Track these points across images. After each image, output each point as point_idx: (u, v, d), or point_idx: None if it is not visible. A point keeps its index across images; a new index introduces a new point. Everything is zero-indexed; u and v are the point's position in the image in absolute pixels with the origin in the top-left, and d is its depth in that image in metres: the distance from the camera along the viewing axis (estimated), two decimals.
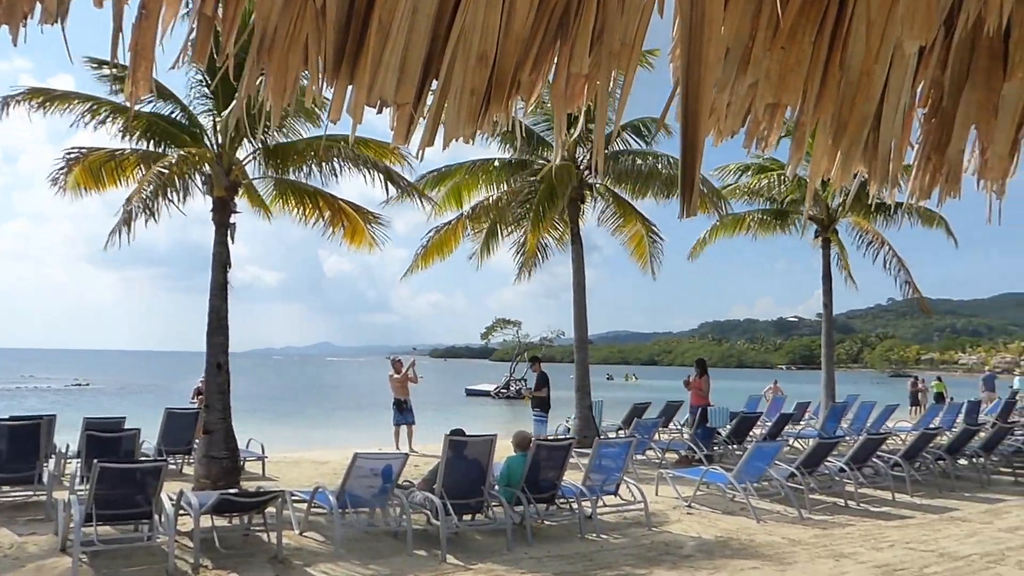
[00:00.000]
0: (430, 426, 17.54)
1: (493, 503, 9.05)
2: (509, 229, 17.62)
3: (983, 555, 8.71)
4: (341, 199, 13.62)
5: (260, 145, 12.61)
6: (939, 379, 34.93)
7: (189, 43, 1.92)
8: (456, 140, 1.87)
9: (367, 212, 13.67)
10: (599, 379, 65.93)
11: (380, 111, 1.87)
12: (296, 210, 13.60)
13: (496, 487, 9.22)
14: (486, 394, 51.58)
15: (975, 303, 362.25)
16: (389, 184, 12.56)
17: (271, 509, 8.45)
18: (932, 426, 16.08)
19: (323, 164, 12.59)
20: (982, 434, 14.86)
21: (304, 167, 12.96)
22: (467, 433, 9.27)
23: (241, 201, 12.89)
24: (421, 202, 13.89)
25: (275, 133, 12.65)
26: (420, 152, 1.90)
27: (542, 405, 14.59)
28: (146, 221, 11.54)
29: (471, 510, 8.95)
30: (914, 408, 30.81)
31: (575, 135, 17.04)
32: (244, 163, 12.78)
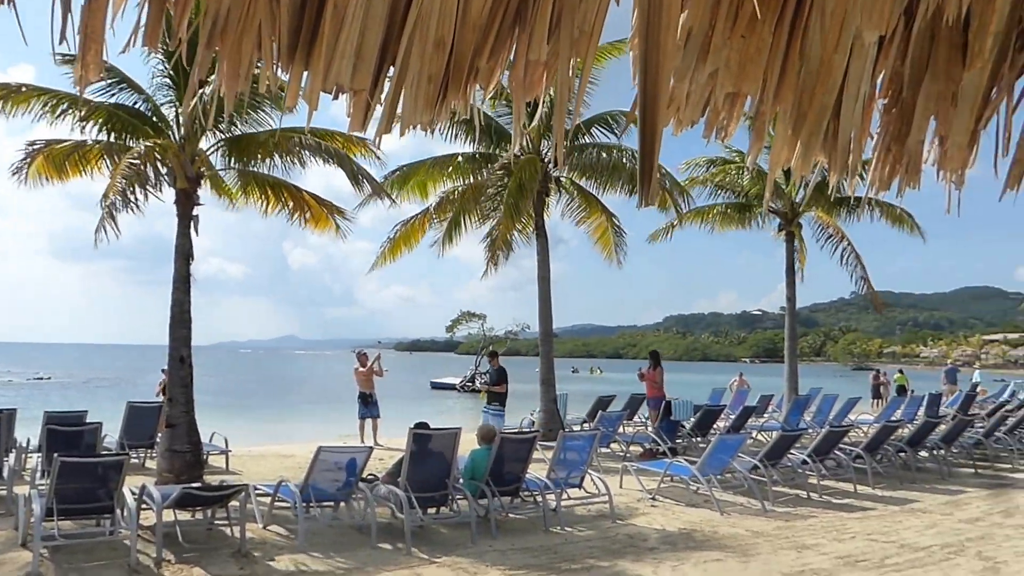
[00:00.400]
0: (395, 419, 17.46)
1: (458, 496, 9.05)
2: (476, 222, 17.60)
3: (943, 546, 8.83)
4: (306, 191, 13.50)
5: (223, 136, 12.47)
6: (901, 372, 35.40)
7: (140, 26, 1.87)
8: (414, 128, 1.84)
9: (333, 206, 13.56)
10: (564, 372, 66.07)
11: (336, 97, 1.83)
12: (260, 202, 13.46)
13: (461, 480, 9.20)
14: (451, 387, 51.54)
15: (937, 297, 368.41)
16: (354, 181, 12.44)
17: (234, 503, 8.36)
18: (894, 419, 16.30)
19: (287, 156, 12.45)
20: (943, 427, 15.06)
21: (268, 159, 12.79)
22: (432, 426, 9.24)
23: (204, 193, 12.76)
24: (389, 198, 13.84)
25: (239, 123, 12.50)
26: (377, 139, 1.87)
27: (500, 400, 14.50)
28: (129, 213, 11.40)
29: (436, 503, 8.93)
30: (876, 401, 31.20)
31: (539, 128, 17.05)
32: (208, 154, 12.62)
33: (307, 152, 12.35)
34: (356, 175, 12.40)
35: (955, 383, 31.74)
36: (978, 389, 28.12)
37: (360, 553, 7.98)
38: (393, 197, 16.77)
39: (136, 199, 11.34)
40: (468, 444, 9.99)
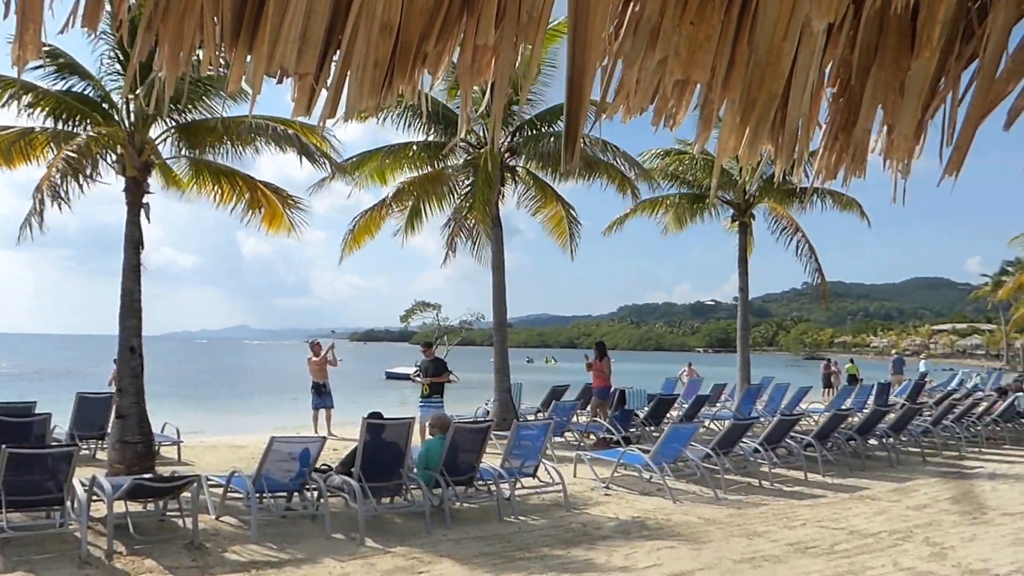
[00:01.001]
0: (349, 410, 17.34)
1: (412, 486, 9.01)
2: (434, 211, 17.57)
3: (891, 532, 8.98)
4: (260, 181, 13.26)
5: (174, 123, 12.23)
6: (852, 361, 35.96)
7: (79, 6, 1.80)
8: (359, 112, 1.80)
9: (287, 195, 13.36)
10: (519, 362, 66.09)
11: (280, 81, 1.78)
12: (213, 191, 13.17)
13: (415, 470, 9.17)
14: (406, 377, 51.24)
15: (887, 287, 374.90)
16: (309, 162, 12.20)
17: (186, 494, 8.25)
18: (844, 407, 16.54)
19: (239, 142, 12.22)
20: (892, 415, 15.30)
21: (220, 147, 12.53)
22: (386, 416, 9.19)
23: (155, 182, 12.54)
24: (348, 175, 13.67)
25: (190, 110, 12.28)
26: (321, 124, 1.83)
27: (440, 391, 14.34)
28: (60, 207, 11.10)
29: (389, 493, 8.89)
30: (827, 390, 31.61)
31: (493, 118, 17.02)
32: (158, 142, 12.36)
33: (260, 138, 12.11)
34: (312, 154, 12.19)
35: (902, 372, 32.40)
36: (927, 378, 28.67)
37: (313, 543, 7.93)
38: (350, 184, 16.61)
39: (68, 190, 11.06)
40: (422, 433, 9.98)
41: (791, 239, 22.94)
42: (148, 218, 11.85)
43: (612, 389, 17.37)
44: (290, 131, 11.96)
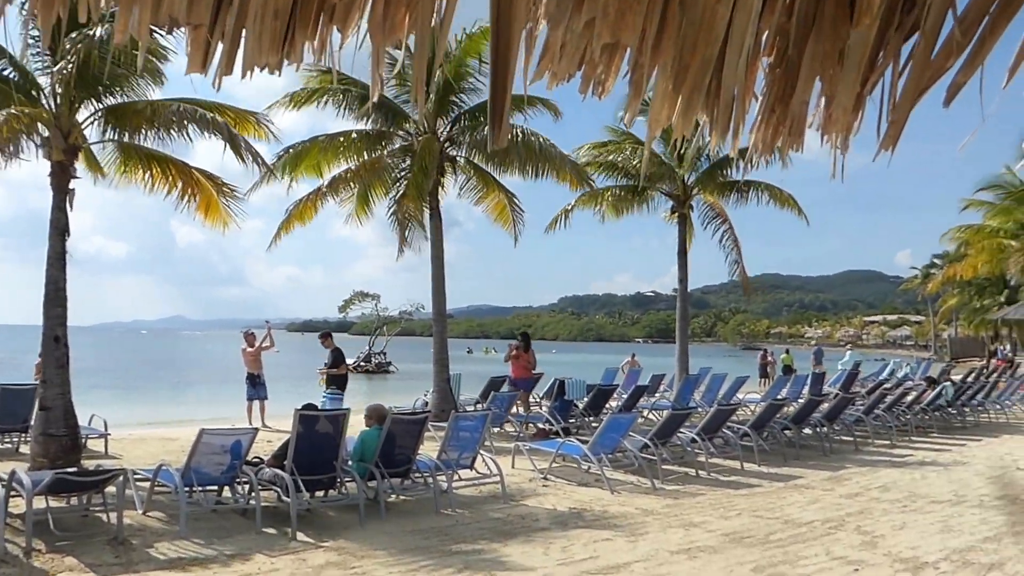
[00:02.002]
0: (287, 401, 17.01)
1: (347, 479, 8.83)
2: (381, 197, 17.32)
3: (824, 521, 9.06)
4: (195, 167, 12.77)
5: (101, 106, 11.72)
6: (787, 352, 36.48)
7: None
8: (259, 68, 1.65)
9: (222, 183, 12.90)
10: (459, 353, 65.69)
11: (171, 31, 1.63)
12: (144, 178, 12.63)
13: (350, 462, 8.98)
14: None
15: (822, 279, 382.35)
16: (235, 154, 11.68)
17: (112, 488, 7.94)
18: (779, 397, 16.73)
19: (167, 126, 11.71)
20: (826, 404, 15.52)
21: (149, 131, 12.00)
22: (316, 408, 8.99)
23: (85, 167, 12.06)
24: (276, 176, 13.28)
25: (116, 92, 11.80)
26: (217, 82, 1.67)
27: (338, 383, 14.05)
28: None
29: (323, 486, 8.71)
30: (763, 380, 32.10)
31: (435, 108, 16.75)
32: (84, 126, 11.86)
33: (191, 124, 11.64)
34: (241, 150, 11.71)
35: (821, 363, 33.14)
36: (860, 368, 29.22)
37: (243, 538, 7.71)
38: (285, 178, 16.23)
39: None
40: (358, 425, 9.77)
41: (718, 230, 23.09)
42: (71, 205, 11.41)
43: (554, 380, 17.36)
44: (219, 119, 11.55)
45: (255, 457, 9.08)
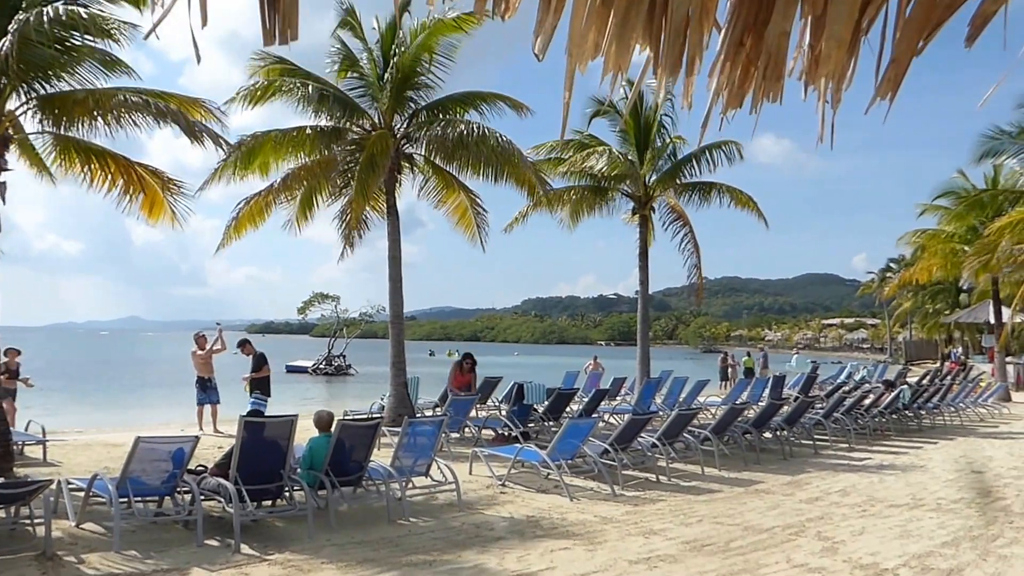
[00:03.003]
0: (243, 406, 16.58)
1: (296, 488, 8.49)
2: (327, 199, 16.88)
3: (785, 527, 8.94)
4: (138, 163, 12.18)
5: (33, 93, 11.14)
6: (748, 355, 36.65)
7: None
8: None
9: (168, 179, 12.37)
10: (420, 355, 65.30)
11: None
12: (82, 173, 11.97)
13: (299, 470, 8.65)
14: (305, 370, 50.11)
15: (781, 283, 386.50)
16: (191, 139, 11.14)
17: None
18: (740, 401, 16.64)
19: (113, 119, 11.10)
20: (786, 408, 15.46)
21: (91, 123, 11.27)
22: (267, 413, 8.64)
23: (18, 160, 11.52)
24: (233, 173, 12.75)
25: (55, 81, 11.21)
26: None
27: (262, 387, 13.56)
28: None
29: (270, 496, 8.36)
30: (724, 383, 32.18)
31: (391, 103, 16.39)
32: (17, 114, 11.31)
33: (138, 114, 11.06)
34: (193, 129, 11.14)
35: (768, 367, 33.42)
36: (818, 371, 29.31)
37: (183, 552, 7.34)
38: (237, 173, 15.71)
39: None
40: (307, 431, 9.42)
41: (679, 233, 23.02)
42: (3, 199, 10.90)
43: (513, 384, 17.12)
44: (172, 105, 11.04)
45: (199, 465, 8.72)
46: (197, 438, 8.05)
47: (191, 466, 8.44)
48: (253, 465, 8.01)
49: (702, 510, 9.91)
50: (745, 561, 7.53)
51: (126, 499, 7.51)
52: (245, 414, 8.37)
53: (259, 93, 15.58)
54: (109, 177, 11.95)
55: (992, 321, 33.07)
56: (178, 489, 7.97)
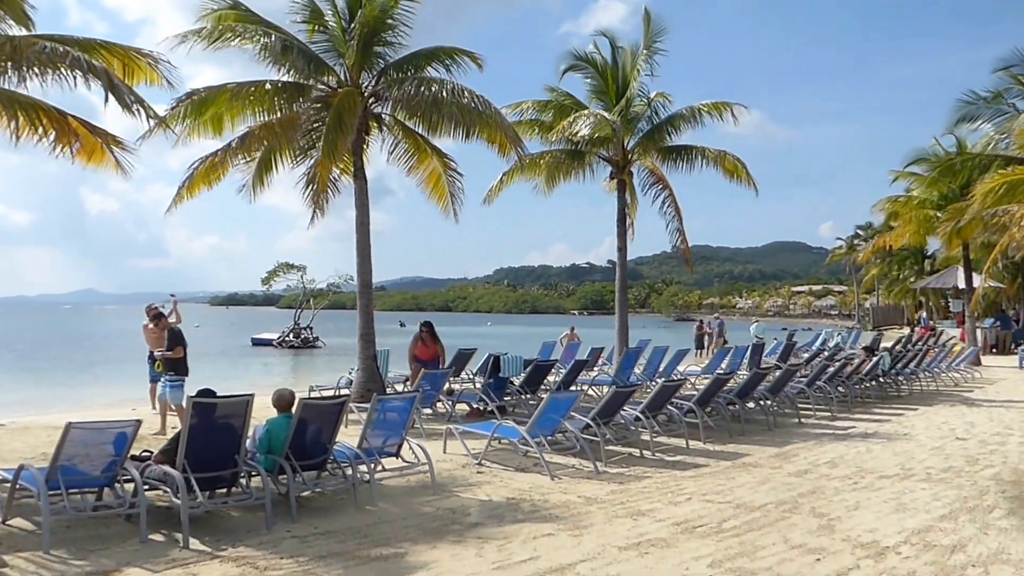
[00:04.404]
0: (205, 382, 15.71)
1: (253, 473, 7.76)
2: (290, 162, 15.73)
3: (778, 503, 8.52)
4: (74, 116, 10.99)
5: None
6: (722, 322, 36.39)
7: None
8: None
9: (108, 134, 11.26)
10: (391, 326, 64.33)
11: None
12: (7, 128, 10.52)
13: (256, 455, 7.93)
14: (270, 343, 49.05)
15: (750, 251, 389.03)
16: (118, 103, 9.93)
17: None
18: (722, 370, 16.16)
19: (42, 70, 9.97)
20: (771, 377, 15.08)
21: (17, 72, 9.91)
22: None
23: None
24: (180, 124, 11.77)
25: None
26: None
27: (176, 367, 12.61)
28: None
29: (224, 484, 7.62)
30: (699, 351, 31.89)
31: (358, 58, 15.46)
32: None
33: (62, 68, 9.82)
34: (122, 94, 9.95)
35: (724, 335, 33.24)
36: (794, 338, 29.04)
37: (124, 549, 6.57)
38: (187, 125, 14.65)
39: None
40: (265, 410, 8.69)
41: (658, 196, 22.39)
42: None
43: (489, 356, 16.44)
44: (96, 63, 9.88)
45: (144, 451, 7.97)
46: (139, 421, 7.24)
47: (136, 451, 7.69)
48: (203, 450, 7.23)
49: (690, 487, 9.41)
50: (741, 543, 7.02)
51: (58, 491, 6.70)
52: (191, 394, 7.57)
53: (214, 35, 14.29)
54: (41, 128, 10.64)
55: (961, 286, 33.05)
56: (119, 478, 7.19)
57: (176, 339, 12.61)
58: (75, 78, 9.91)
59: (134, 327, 14.04)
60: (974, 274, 31.62)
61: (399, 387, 15.89)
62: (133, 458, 7.50)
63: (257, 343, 50.50)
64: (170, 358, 12.46)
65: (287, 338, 48.89)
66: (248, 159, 15.68)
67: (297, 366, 36.98)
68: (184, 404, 8.81)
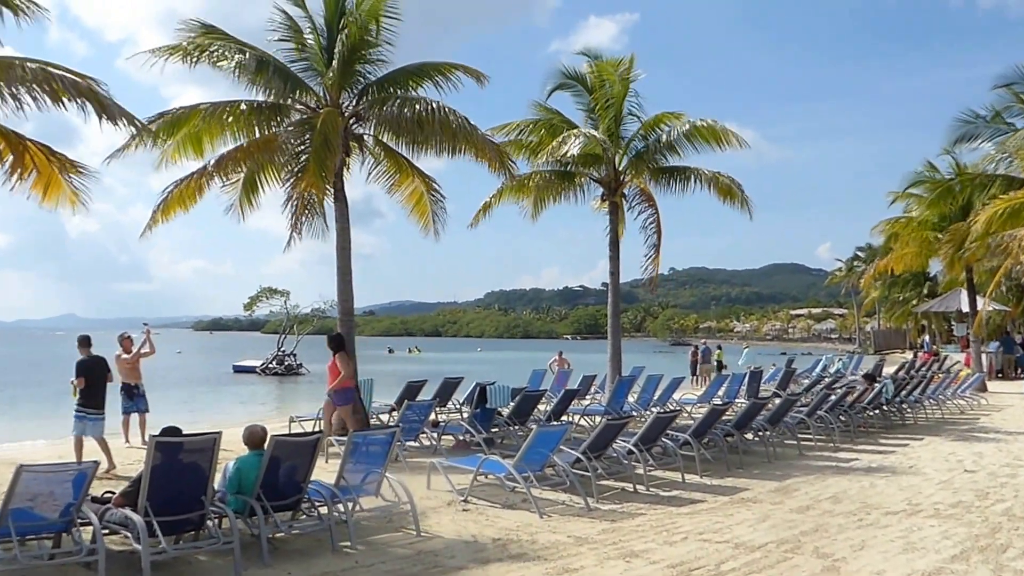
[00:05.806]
0: (183, 412, 15.26)
1: (222, 515, 7.29)
2: (275, 182, 15.31)
3: (779, 543, 8.06)
4: (29, 139, 10.60)
5: None
6: (720, 348, 35.98)
7: None
8: None
9: (65, 159, 10.84)
10: (378, 352, 63.45)
11: None
12: None
13: (226, 495, 7.47)
14: (253, 370, 48.12)
15: (747, 273, 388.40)
16: (105, 117, 9.69)
17: None
18: (718, 400, 15.74)
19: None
20: (770, 407, 14.64)
21: None
22: (180, 432, 7.36)
23: None
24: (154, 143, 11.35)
25: None
26: None
27: (87, 399, 11.72)
28: None
29: (191, 527, 7.16)
30: (695, 377, 31.46)
31: (337, 78, 15.06)
32: None
33: (34, 89, 9.56)
34: (105, 105, 9.65)
35: (709, 363, 32.64)
36: (794, 365, 28.58)
37: None
38: (165, 151, 14.28)
39: None
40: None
41: (643, 213, 21.95)
42: None
43: (475, 385, 15.97)
44: (78, 80, 9.54)
45: (106, 492, 7.50)
46: (96, 463, 6.80)
47: (97, 493, 7.23)
48: (167, 492, 6.77)
49: (686, 525, 8.95)
50: None
51: (9, 539, 6.23)
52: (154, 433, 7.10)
53: (188, 51, 13.89)
54: None
55: (965, 309, 32.63)
56: (76, 523, 6.71)
57: (80, 370, 11.78)
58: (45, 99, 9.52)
59: (111, 353, 13.46)
60: (978, 297, 31.18)
61: (384, 417, 15.39)
62: (94, 500, 7.05)
63: (239, 370, 49.31)
64: (85, 387, 11.71)
65: (270, 365, 47.85)
66: (226, 182, 15.23)
67: (282, 394, 36.22)
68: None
